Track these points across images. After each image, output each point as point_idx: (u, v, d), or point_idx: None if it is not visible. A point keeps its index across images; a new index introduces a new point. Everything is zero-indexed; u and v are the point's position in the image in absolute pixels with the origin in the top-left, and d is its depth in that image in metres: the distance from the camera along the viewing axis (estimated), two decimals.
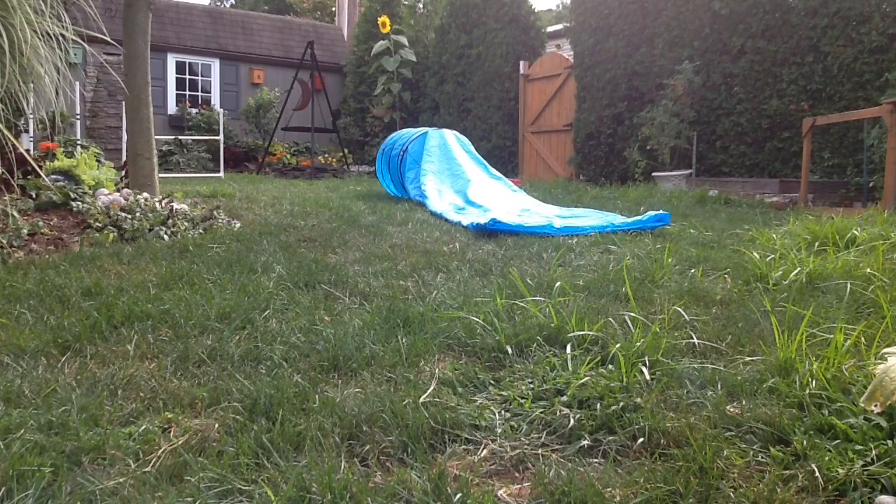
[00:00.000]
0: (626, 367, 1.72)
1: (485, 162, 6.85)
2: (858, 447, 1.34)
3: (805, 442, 1.37)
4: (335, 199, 6.49)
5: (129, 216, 4.10)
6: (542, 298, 2.43)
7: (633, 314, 2.18)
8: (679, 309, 2.24)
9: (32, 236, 3.68)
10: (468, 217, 4.86)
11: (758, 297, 2.52)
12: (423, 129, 6.96)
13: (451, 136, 6.87)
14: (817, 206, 5.90)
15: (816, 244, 3.41)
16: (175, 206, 4.54)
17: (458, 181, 6.25)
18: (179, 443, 1.44)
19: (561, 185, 8.28)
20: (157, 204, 4.54)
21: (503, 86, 11.52)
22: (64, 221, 4.10)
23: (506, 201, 5.71)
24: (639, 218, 4.41)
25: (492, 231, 4.17)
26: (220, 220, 4.62)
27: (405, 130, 7.41)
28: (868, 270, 2.74)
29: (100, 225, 3.95)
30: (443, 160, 6.53)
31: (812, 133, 6.21)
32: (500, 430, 1.51)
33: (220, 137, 10.94)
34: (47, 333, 2.13)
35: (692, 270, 3.00)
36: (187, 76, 15.01)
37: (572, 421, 1.51)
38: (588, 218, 4.77)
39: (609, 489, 1.25)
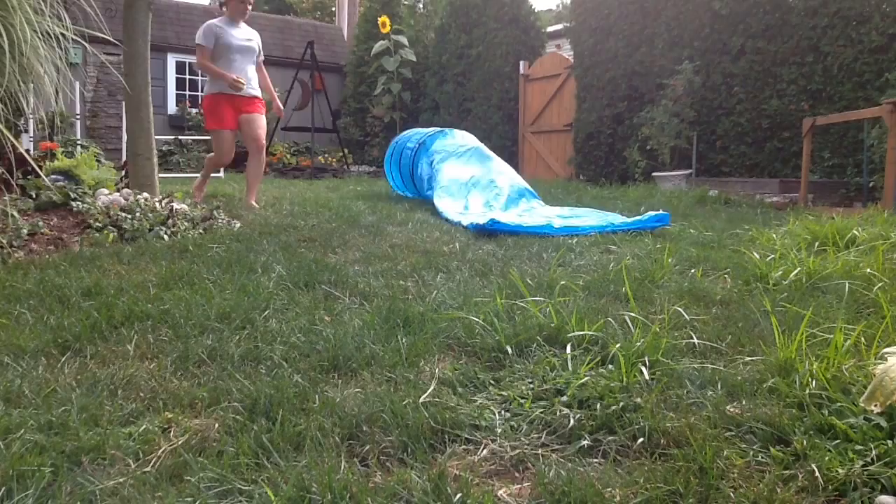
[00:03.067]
0: (626, 367, 1.72)
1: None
2: (858, 447, 1.34)
3: (805, 442, 1.37)
4: (335, 199, 6.48)
5: (129, 216, 4.10)
6: (543, 298, 2.43)
7: (633, 314, 2.18)
8: (679, 309, 2.24)
9: (32, 236, 3.68)
10: (468, 217, 4.84)
11: (758, 297, 2.52)
12: (436, 129, 6.89)
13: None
14: (817, 206, 5.90)
15: (816, 244, 3.41)
16: (175, 206, 4.54)
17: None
18: (179, 443, 1.44)
19: (561, 185, 8.28)
20: (157, 204, 4.54)
21: (503, 86, 11.52)
22: (64, 221, 4.10)
23: None
24: (639, 218, 4.41)
25: (491, 231, 4.17)
26: (220, 220, 4.62)
27: (415, 130, 7.33)
28: (868, 270, 2.74)
29: (100, 225, 3.95)
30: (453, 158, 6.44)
31: (812, 133, 6.21)
32: (500, 430, 1.51)
33: None
34: (47, 333, 2.13)
35: (692, 270, 3.00)
36: (187, 76, 15.00)
37: (572, 421, 1.51)
38: (588, 218, 4.77)
39: (609, 489, 1.25)
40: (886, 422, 1.40)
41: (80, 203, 4.29)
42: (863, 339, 1.86)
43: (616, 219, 4.58)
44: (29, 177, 4.53)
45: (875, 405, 1.39)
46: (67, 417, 1.54)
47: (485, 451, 1.42)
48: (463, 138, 6.51)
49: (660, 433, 1.44)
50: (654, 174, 8.13)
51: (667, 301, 2.45)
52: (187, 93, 14.99)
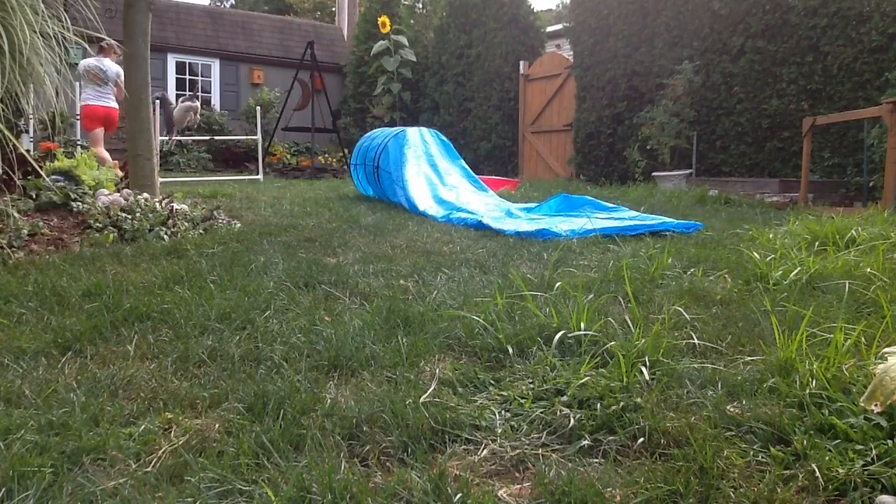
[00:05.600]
0: (626, 367, 1.72)
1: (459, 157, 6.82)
2: (859, 447, 1.34)
3: (805, 442, 1.37)
4: (335, 200, 6.49)
5: (130, 216, 4.10)
6: (543, 295, 2.43)
7: (633, 314, 2.18)
8: (679, 309, 2.24)
9: (33, 237, 3.68)
10: (509, 223, 4.63)
11: (758, 296, 2.51)
12: (399, 129, 6.84)
13: (427, 133, 6.73)
14: (817, 206, 5.90)
15: (816, 244, 3.41)
16: (175, 206, 4.54)
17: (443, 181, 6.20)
18: (180, 443, 1.44)
19: (561, 185, 8.28)
20: (157, 204, 4.54)
21: (503, 86, 11.52)
22: (64, 222, 4.10)
23: (483, 203, 5.73)
24: (655, 222, 4.36)
25: (528, 236, 4.10)
26: (220, 221, 4.63)
27: (379, 130, 7.27)
28: (868, 270, 2.74)
29: (100, 225, 3.95)
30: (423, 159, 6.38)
31: (812, 133, 6.21)
32: (500, 430, 1.51)
33: (265, 139, 10.88)
34: (48, 334, 2.13)
35: (692, 270, 3.00)
36: (187, 76, 15.01)
37: (572, 421, 1.51)
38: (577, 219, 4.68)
39: (609, 489, 1.25)
40: (887, 421, 1.40)
41: (80, 203, 4.29)
42: (863, 338, 1.86)
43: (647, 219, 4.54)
44: (29, 177, 4.53)
45: (875, 405, 1.39)
46: (68, 418, 1.54)
47: (485, 451, 1.42)
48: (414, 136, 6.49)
49: (660, 433, 1.44)
50: (654, 174, 8.13)
51: (667, 301, 2.45)
52: (187, 93, 14.98)
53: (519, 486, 1.31)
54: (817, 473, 1.27)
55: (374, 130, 7.37)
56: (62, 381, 1.77)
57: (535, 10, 11.80)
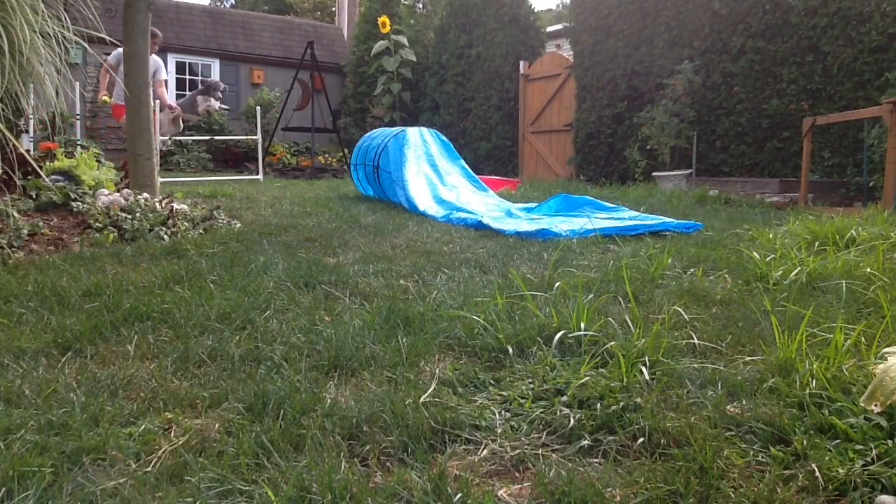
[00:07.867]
0: (626, 367, 1.72)
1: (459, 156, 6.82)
2: (859, 447, 1.34)
3: (805, 442, 1.37)
4: (335, 200, 6.49)
5: (130, 216, 4.10)
6: (543, 295, 2.43)
7: (633, 314, 2.18)
8: (679, 309, 2.24)
9: (33, 237, 3.68)
10: (510, 223, 4.63)
11: (758, 296, 2.51)
12: (399, 129, 6.82)
13: (427, 133, 6.72)
14: (817, 206, 5.90)
15: (816, 244, 3.41)
16: (175, 206, 4.54)
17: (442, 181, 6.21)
18: (180, 443, 1.44)
19: (561, 185, 8.28)
20: (157, 204, 4.54)
21: (503, 86, 11.52)
22: (64, 222, 4.10)
23: (483, 203, 5.73)
24: (655, 222, 4.35)
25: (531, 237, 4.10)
26: (220, 221, 4.62)
27: (379, 130, 7.26)
28: (868, 270, 2.74)
29: (100, 225, 3.95)
30: (423, 159, 6.38)
31: (812, 133, 6.21)
32: (500, 430, 1.51)
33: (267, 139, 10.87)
34: (48, 334, 2.13)
35: (692, 270, 3.00)
36: (187, 76, 15.00)
37: (572, 421, 1.51)
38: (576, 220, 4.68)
39: (609, 489, 1.25)
40: (886, 421, 1.40)
41: (80, 203, 4.29)
42: (863, 338, 1.86)
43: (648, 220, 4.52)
44: (29, 177, 4.52)
45: (875, 405, 1.39)
46: (68, 418, 1.54)
47: (485, 451, 1.42)
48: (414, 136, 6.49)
49: (660, 433, 1.44)
50: (654, 174, 8.13)
51: (667, 301, 2.45)
52: (187, 93, 14.96)
53: (519, 486, 1.31)
54: (817, 473, 1.27)
55: (374, 130, 7.37)
56: (62, 381, 1.77)
57: (535, 10, 11.80)
